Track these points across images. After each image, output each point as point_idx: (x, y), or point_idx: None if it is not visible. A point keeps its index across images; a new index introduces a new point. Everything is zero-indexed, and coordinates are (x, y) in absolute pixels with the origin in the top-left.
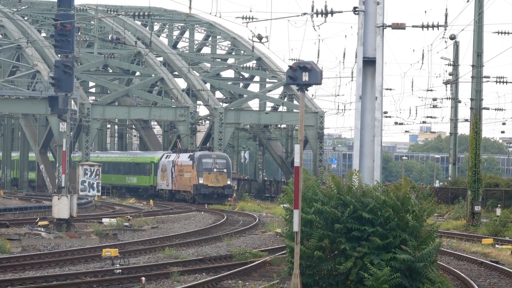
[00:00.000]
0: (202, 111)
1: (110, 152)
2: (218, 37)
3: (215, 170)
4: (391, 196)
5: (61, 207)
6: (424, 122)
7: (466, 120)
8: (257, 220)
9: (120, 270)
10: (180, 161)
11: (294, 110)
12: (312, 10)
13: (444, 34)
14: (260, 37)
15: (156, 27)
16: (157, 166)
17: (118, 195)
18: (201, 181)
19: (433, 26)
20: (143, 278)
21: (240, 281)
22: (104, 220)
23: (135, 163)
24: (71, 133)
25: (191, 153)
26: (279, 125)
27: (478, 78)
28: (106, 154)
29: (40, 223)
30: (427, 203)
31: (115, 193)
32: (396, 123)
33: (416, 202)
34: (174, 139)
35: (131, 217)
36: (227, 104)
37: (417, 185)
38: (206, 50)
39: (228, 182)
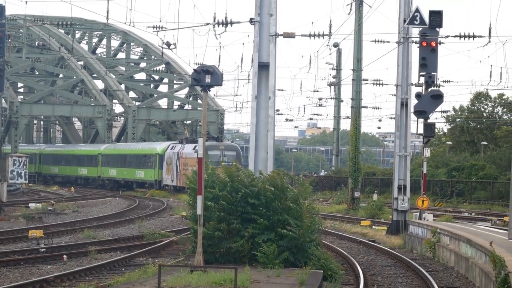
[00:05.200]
0: (118, 108)
1: (113, 144)
2: (132, 44)
3: (223, 163)
4: (269, 183)
5: None
6: (311, 119)
7: (348, 117)
8: (166, 205)
9: (45, 249)
10: (185, 153)
11: (198, 108)
12: (214, 21)
13: (328, 42)
14: (168, 44)
15: (77, 35)
16: (162, 158)
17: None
18: None
19: (319, 35)
20: (65, 256)
21: (150, 258)
22: (30, 205)
23: (136, 155)
24: (2, 128)
25: (196, 144)
26: (185, 121)
27: (357, 80)
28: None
29: None
30: (302, 188)
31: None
32: (287, 119)
33: (291, 188)
34: (93, 132)
35: (54, 202)
36: (140, 103)
37: (289, 173)
38: (121, 55)
39: None
